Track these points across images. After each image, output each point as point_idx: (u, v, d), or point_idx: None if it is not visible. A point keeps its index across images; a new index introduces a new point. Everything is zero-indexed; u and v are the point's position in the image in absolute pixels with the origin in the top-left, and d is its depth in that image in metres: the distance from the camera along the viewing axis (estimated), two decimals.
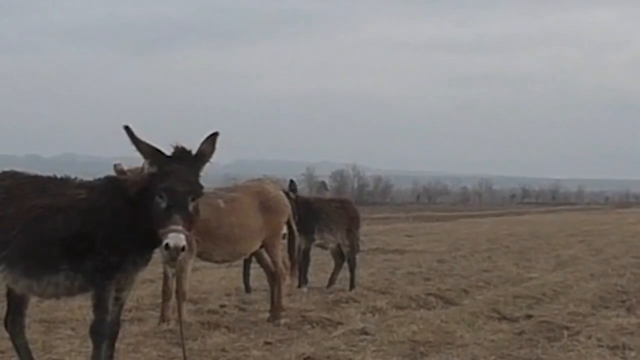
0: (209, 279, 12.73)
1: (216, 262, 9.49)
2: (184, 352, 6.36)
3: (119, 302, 5.85)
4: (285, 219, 9.46)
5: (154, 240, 5.76)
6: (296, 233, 9.77)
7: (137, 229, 5.64)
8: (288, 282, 9.98)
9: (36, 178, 6.01)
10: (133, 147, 5.59)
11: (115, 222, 5.64)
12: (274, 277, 9.31)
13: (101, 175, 6.11)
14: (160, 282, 10.30)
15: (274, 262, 9.28)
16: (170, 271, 8.81)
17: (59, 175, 6.03)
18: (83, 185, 5.93)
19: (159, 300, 10.06)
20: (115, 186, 5.85)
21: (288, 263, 9.68)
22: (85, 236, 5.62)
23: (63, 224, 5.67)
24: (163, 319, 8.79)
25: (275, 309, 9.16)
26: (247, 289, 11.64)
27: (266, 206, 9.11)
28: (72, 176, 6.04)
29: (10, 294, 6.17)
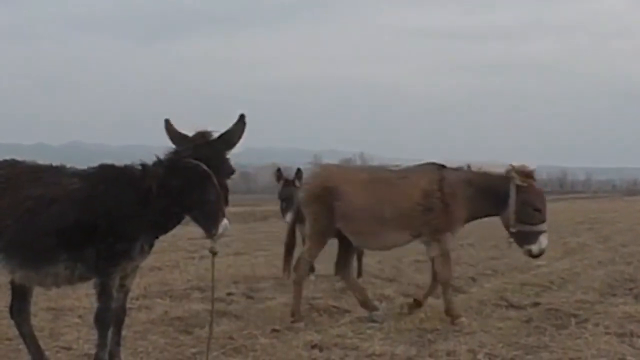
0: (216, 267, 12.63)
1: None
2: (209, 342, 6.35)
3: (124, 289, 5.82)
4: None
5: (163, 227, 5.77)
6: None
7: (146, 216, 5.60)
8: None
9: (33, 167, 5.90)
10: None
11: (118, 210, 5.55)
12: None
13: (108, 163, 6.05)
14: (167, 270, 10.35)
15: None
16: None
17: (54, 164, 5.92)
18: (76, 174, 5.83)
19: (166, 288, 10.11)
20: (116, 175, 5.75)
21: None
22: (82, 226, 5.53)
23: (57, 214, 5.57)
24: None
25: None
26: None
27: None
28: (68, 165, 5.96)
29: (14, 282, 6.12)
